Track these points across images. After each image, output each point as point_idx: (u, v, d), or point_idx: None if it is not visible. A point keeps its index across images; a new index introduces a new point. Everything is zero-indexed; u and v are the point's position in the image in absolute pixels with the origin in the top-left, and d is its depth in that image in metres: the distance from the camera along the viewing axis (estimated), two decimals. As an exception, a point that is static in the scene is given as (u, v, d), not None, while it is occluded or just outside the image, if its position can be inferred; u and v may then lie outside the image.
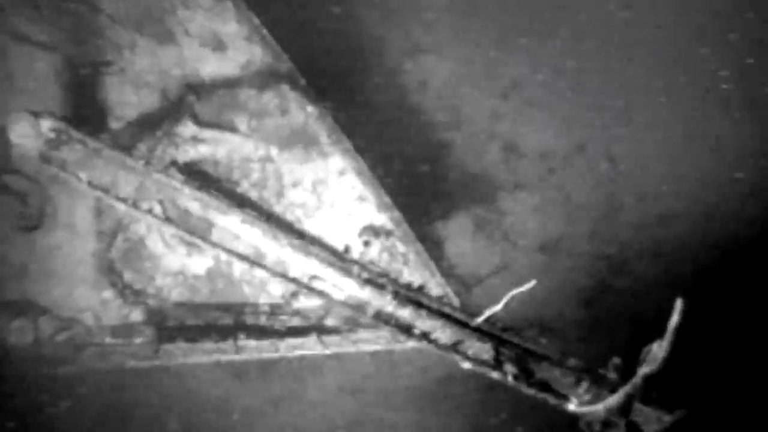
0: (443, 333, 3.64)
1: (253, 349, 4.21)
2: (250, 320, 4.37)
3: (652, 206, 6.09)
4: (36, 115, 3.84)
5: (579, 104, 6.11)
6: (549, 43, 6.11)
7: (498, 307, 3.49)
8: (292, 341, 4.21)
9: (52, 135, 3.86)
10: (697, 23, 5.80)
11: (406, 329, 3.65)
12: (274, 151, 4.37)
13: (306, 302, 4.37)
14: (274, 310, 4.37)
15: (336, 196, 4.34)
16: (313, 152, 4.33)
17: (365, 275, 3.70)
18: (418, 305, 3.63)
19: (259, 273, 4.30)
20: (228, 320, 4.38)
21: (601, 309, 6.15)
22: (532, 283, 3.38)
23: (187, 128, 4.30)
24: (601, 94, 6.01)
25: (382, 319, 3.66)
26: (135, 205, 4.11)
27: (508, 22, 6.14)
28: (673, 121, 5.86)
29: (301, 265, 3.76)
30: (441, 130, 6.11)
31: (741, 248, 5.67)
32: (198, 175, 4.25)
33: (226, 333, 4.33)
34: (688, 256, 5.89)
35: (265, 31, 4.17)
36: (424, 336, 3.67)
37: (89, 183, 3.85)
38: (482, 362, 3.63)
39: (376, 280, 3.68)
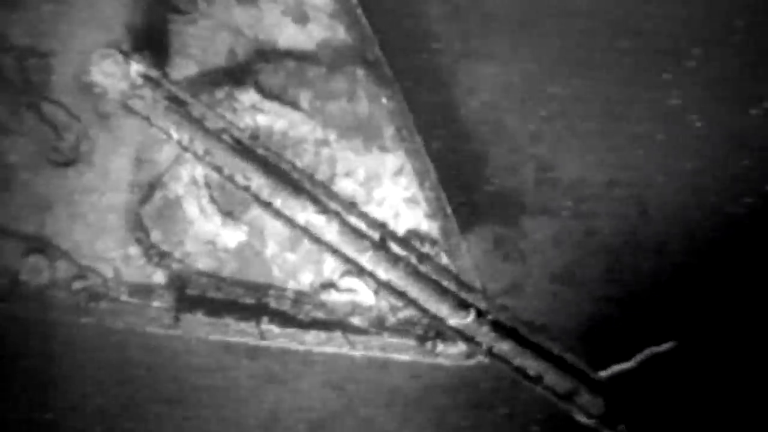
0: (555, 379, 3.43)
1: (276, 336, 4.05)
2: (273, 304, 4.21)
3: (669, 260, 6.06)
4: (126, 55, 3.60)
5: (620, 141, 6.04)
6: (604, 72, 6.02)
7: (629, 365, 3.32)
8: (318, 335, 4.06)
9: (139, 80, 3.63)
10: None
11: (503, 361, 3.44)
12: (332, 136, 4.19)
13: (335, 296, 4.21)
14: (300, 298, 4.21)
15: (387, 194, 4.19)
16: (374, 145, 4.17)
17: (443, 283, 3.50)
18: (519, 339, 3.45)
19: (292, 258, 4.15)
20: (250, 300, 4.21)
21: (600, 346, 6.12)
22: (670, 345, 3.24)
23: (249, 95, 4.10)
24: (646, 138, 5.95)
25: (462, 338, 3.47)
26: (180, 162, 3.91)
27: (569, 45, 6.03)
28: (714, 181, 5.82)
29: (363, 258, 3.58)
30: (479, 142, 5.99)
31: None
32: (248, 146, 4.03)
33: (247, 313, 4.16)
34: (696, 313, 5.88)
35: (359, 11, 3.97)
36: (531, 378, 3.45)
37: (178, 141, 3.61)
38: (594, 417, 3.43)
39: (457, 293, 3.50)
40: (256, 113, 4.11)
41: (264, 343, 4.03)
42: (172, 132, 3.64)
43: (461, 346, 4.07)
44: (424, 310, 3.57)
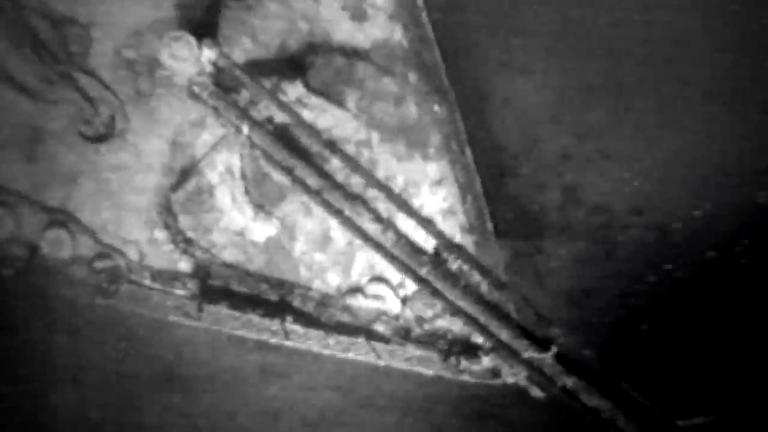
0: (629, 425, 3.34)
1: (301, 337, 3.96)
2: (296, 303, 4.11)
3: (686, 288, 5.99)
4: (200, 40, 3.48)
5: (649, 168, 5.97)
6: (640, 96, 5.95)
7: (710, 419, 3.23)
8: (342, 340, 3.96)
9: (209, 67, 3.51)
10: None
11: (576, 400, 3.35)
12: (375, 138, 4.09)
13: (361, 301, 4.12)
14: (325, 300, 4.11)
15: (425, 202, 4.09)
16: (416, 152, 4.07)
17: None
18: (592, 378, 3.36)
19: (321, 258, 4.05)
20: (273, 296, 4.10)
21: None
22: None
23: (296, 89, 3.99)
24: (676, 166, 5.88)
25: (535, 372, 3.37)
26: (217, 150, 3.80)
27: (607, 64, 5.95)
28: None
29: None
30: (509, 155, 5.90)
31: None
32: (289, 140, 3.94)
33: (270, 310, 4.05)
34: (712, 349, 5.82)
35: (424, 15, 3.86)
36: (603, 420, 3.36)
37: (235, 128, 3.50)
38: None
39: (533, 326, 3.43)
40: (301, 108, 4.00)
41: (287, 343, 3.92)
42: (231, 119, 3.53)
43: (486, 363, 3.99)
44: (491, 336, 3.52)
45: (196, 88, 3.59)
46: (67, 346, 4.32)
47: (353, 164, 4.03)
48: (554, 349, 3.34)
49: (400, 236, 3.60)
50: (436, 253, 3.71)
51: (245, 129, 3.65)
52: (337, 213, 3.59)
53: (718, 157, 6.08)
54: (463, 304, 3.66)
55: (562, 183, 6.00)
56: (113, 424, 4.77)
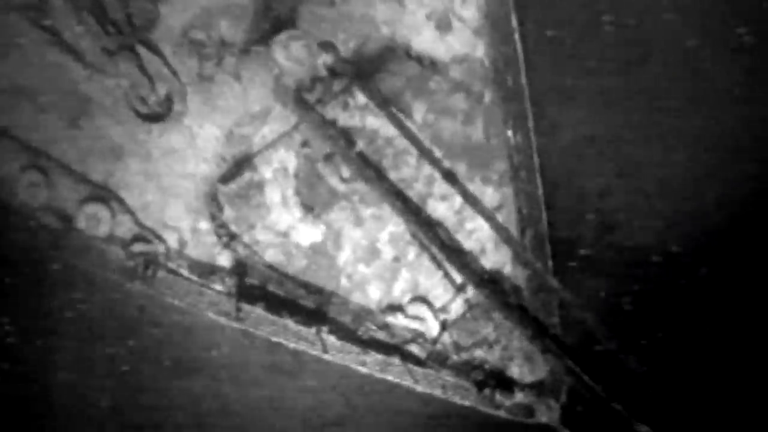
0: None
1: (337, 350, 3.83)
2: (332, 313, 3.97)
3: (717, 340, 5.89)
4: (321, 45, 3.33)
5: (689, 213, 5.89)
6: (682, 140, 5.85)
7: None
8: (379, 359, 3.82)
9: (323, 72, 3.36)
10: None
11: None
12: (436, 154, 3.95)
13: (400, 320, 3.99)
14: (363, 314, 3.97)
15: (479, 227, 3.95)
16: (478, 175, 3.94)
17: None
18: None
19: (364, 270, 3.92)
20: (310, 303, 3.95)
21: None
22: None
23: (365, 94, 3.84)
24: (716, 212, 5.80)
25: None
26: (275, 147, 3.65)
27: (656, 107, 5.85)
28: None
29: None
30: (549, 184, 5.77)
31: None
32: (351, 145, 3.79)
33: (306, 317, 3.91)
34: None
35: (516, 36, 3.72)
36: None
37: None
38: None
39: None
40: (367, 114, 3.85)
41: (327, 356, 3.78)
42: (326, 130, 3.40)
43: (520, 399, 3.89)
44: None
45: (305, 94, 3.42)
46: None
47: (411, 178, 3.90)
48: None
49: (451, 254, 3.46)
50: (488, 280, 3.58)
51: (305, 128, 3.49)
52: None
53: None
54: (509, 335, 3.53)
55: (599, 220, 5.89)
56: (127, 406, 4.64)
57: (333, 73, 3.66)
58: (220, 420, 5.45)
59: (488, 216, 3.74)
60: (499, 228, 3.81)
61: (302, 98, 3.47)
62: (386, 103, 3.82)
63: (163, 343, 5.09)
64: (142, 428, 5.16)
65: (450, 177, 3.50)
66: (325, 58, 3.47)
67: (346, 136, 3.75)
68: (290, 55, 3.45)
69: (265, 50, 3.63)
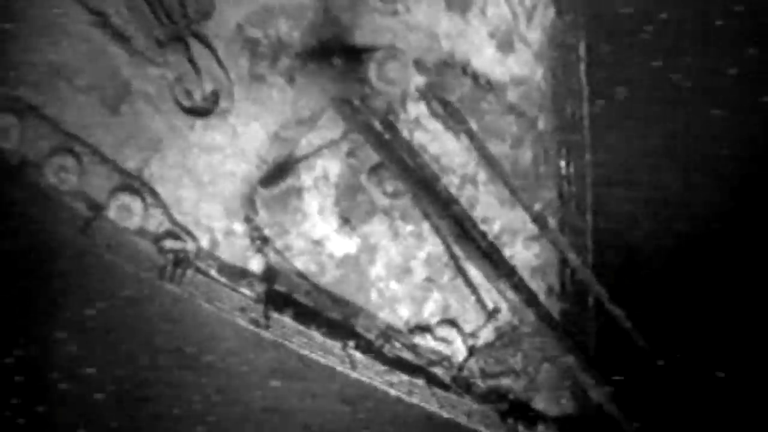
0: None
1: (364, 367, 3.74)
2: (359, 328, 3.88)
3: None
4: (418, 64, 3.23)
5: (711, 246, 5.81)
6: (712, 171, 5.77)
7: None
8: (404, 379, 3.74)
9: (414, 93, 3.25)
10: None
11: None
12: (481, 176, 3.86)
13: (428, 341, 3.90)
14: (390, 332, 3.89)
15: (516, 254, 3.87)
16: (522, 200, 3.84)
17: None
18: None
19: (396, 287, 3.83)
20: (336, 316, 3.86)
21: None
22: None
23: (416, 108, 3.74)
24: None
25: None
26: (320, 154, 3.55)
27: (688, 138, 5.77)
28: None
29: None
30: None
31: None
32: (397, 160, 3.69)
33: (332, 330, 3.82)
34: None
35: (582, 67, 3.62)
36: None
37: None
38: None
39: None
40: (416, 128, 3.75)
41: (353, 374, 3.69)
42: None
43: None
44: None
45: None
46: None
47: (452, 198, 3.80)
48: None
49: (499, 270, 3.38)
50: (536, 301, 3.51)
51: (352, 138, 3.40)
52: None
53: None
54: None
55: (625, 246, 5.81)
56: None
57: (422, 95, 3.56)
58: (221, 417, 5.37)
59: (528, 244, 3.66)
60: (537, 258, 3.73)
61: (356, 107, 3.35)
62: (465, 121, 3.71)
63: (171, 336, 5.00)
64: (145, 420, 5.09)
65: (540, 220, 3.40)
66: (419, 80, 3.36)
67: (391, 149, 3.64)
68: (383, 75, 3.33)
69: (326, 61, 3.53)
